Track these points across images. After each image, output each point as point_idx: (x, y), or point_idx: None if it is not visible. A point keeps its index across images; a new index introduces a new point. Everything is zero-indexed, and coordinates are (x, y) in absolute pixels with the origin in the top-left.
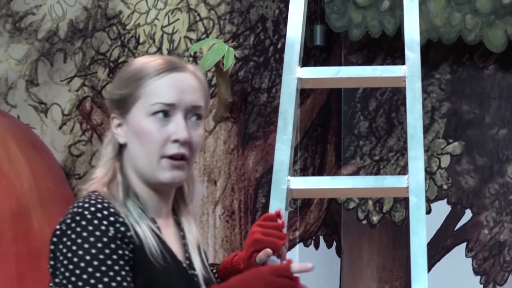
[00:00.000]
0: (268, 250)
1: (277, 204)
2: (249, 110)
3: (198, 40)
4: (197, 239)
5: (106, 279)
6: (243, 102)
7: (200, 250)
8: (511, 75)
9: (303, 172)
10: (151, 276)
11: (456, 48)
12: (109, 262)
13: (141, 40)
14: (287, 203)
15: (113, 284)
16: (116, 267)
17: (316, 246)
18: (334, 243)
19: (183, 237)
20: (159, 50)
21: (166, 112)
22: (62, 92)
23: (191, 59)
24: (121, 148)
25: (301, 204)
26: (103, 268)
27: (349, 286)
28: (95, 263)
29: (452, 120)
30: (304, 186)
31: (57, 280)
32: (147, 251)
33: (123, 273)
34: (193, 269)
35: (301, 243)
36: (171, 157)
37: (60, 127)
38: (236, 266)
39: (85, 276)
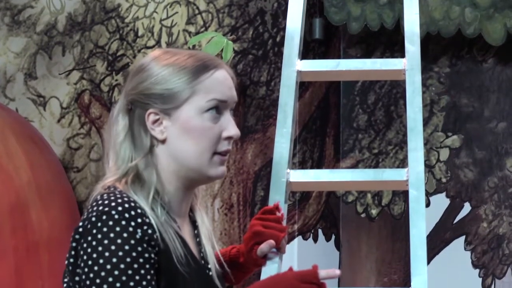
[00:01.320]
0: (271, 242)
1: (277, 197)
2: (248, 103)
3: (197, 33)
4: (209, 231)
5: (132, 283)
6: (242, 96)
7: (213, 244)
8: (510, 68)
9: (302, 165)
10: (175, 280)
11: (455, 42)
12: (135, 266)
13: (139, 33)
14: (287, 196)
15: None
16: (142, 271)
17: (315, 239)
18: (333, 236)
19: (197, 235)
20: (158, 43)
21: (219, 108)
22: (60, 85)
23: None
24: (152, 146)
25: (299, 197)
26: (130, 272)
27: (348, 279)
28: (122, 266)
29: (451, 114)
30: (304, 179)
31: (77, 278)
32: (172, 255)
33: (149, 277)
34: (209, 269)
35: (300, 236)
36: (221, 153)
37: (59, 120)
38: (234, 260)
39: (110, 279)
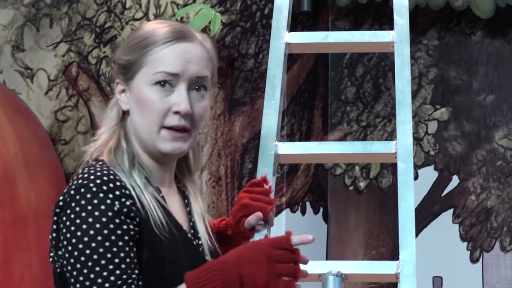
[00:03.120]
0: (259, 214)
1: (265, 169)
2: (236, 75)
3: (185, 5)
4: (202, 209)
5: (109, 255)
6: (230, 68)
7: (205, 220)
8: (498, 41)
9: (290, 138)
10: (157, 249)
11: (444, 14)
12: (113, 238)
13: (127, 5)
14: (275, 168)
15: (116, 260)
16: (120, 243)
17: (303, 212)
18: (321, 209)
19: (187, 205)
20: (146, 15)
21: (169, 82)
22: (48, 58)
23: None
24: (124, 115)
25: (288, 170)
26: (107, 244)
27: (336, 252)
28: (99, 238)
29: (439, 86)
30: (292, 152)
31: (59, 252)
32: (152, 224)
33: (127, 248)
34: (198, 238)
35: (288, 209)
36: (172, 128)
37: (46, 93)
38: (223, 232)
39: (88, 251)
